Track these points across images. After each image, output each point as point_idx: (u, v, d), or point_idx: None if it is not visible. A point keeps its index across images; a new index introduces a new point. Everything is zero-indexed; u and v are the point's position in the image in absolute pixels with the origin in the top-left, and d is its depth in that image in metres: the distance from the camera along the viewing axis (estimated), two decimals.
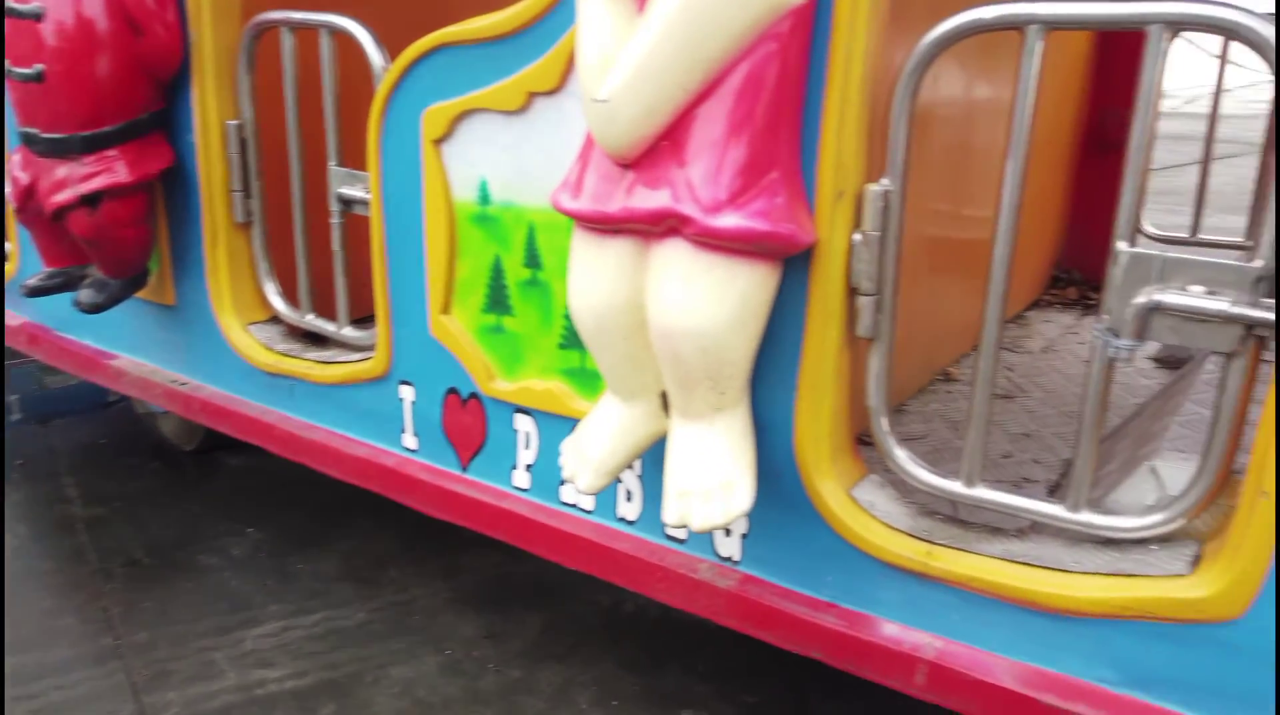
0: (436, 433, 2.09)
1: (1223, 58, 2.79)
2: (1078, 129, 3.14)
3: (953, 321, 2.62)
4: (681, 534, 1.78)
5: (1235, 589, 1.28)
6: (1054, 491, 1.92)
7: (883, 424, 1.56)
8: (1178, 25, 1.21)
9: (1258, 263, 1.21)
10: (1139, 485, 1.51)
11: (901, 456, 1.56)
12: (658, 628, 2.45)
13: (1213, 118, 3.04)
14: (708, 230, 1.34)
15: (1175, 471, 1.51)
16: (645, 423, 1.61)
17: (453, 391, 2.04)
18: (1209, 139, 3.05)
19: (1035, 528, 1.51)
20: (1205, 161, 3.10)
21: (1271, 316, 1.20)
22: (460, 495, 2.06)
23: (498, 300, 1.91)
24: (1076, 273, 3.28)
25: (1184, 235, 3.14)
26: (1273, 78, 1.15)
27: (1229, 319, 1.22)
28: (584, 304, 1.51)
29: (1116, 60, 3.08)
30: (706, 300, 1.39)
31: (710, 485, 1.49)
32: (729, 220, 1.34)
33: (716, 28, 1.30)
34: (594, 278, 1.48)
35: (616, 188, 1.42)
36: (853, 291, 1.49)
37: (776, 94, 1.37)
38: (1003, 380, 2.52)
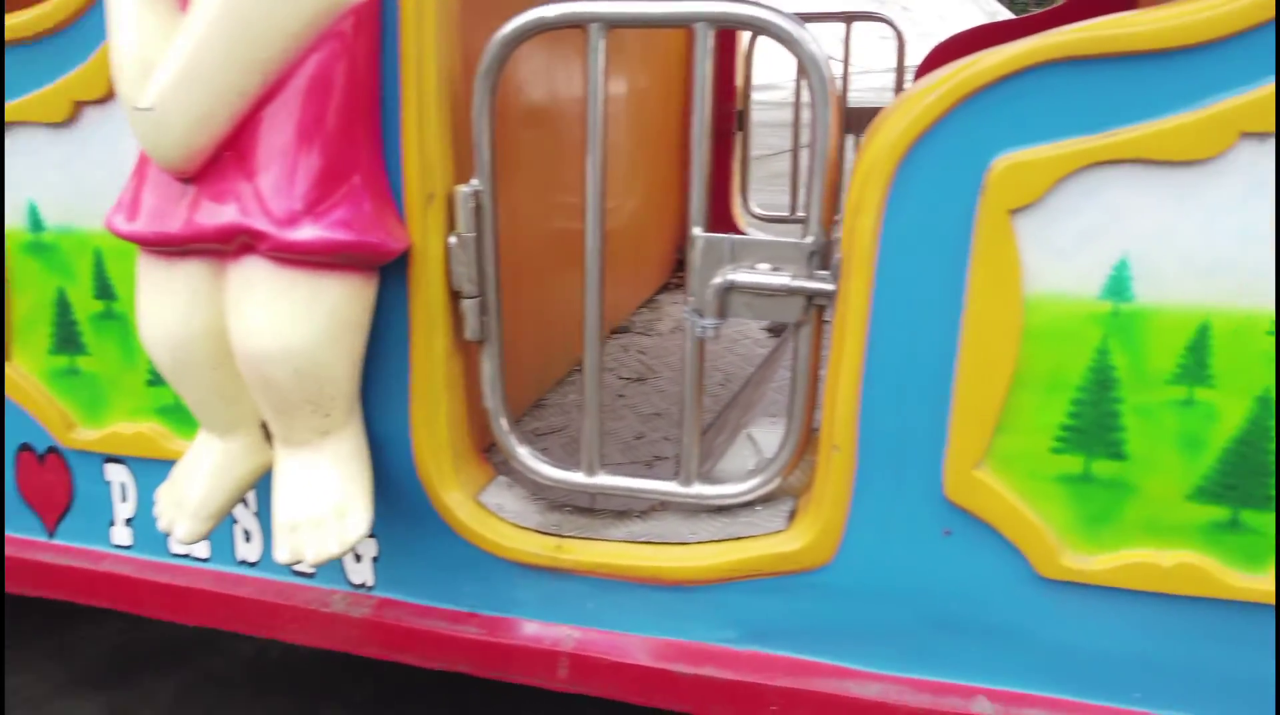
0: (13, 497, 1.81)
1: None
2: (685, 118, 3.35)
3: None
4: (307, 568, 1.67)
5: (823, 538, 1.40)
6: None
7: (502, 425, 1.55)
8: (718, 22, 1.29)
9: (809, 239, 1.32)
10: (740, 452, 1.61)
11: (524, 454, 1.56)
12: (311, 666, 2.30)
13: (796, 107, 3.38)
14: (284, 245, 1.25)
15: (769, 436, 1.63)
16: (247, 457, 1.48)
17: (26, 448, 1.78)
18: (795, 126, 3.40)
19: (665, 506, 1.57)
20: (795, 149, 3.45)
21: (827, 286, 1.31)
22: (49, 565, 1.80)
23: (67, 338, 1.68)
24: None
25: (785, 214, 3.47)
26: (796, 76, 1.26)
27: (791, 291, 1.33)
28: (157, 336, 1.36)
29: (721, 51, 3.31)
30: (293, 319, 1.30)
31: (322, 514, 1.41)
32: (307, 233, 1.26)
33: (268, 26, 1.22)
34: (165, 306, 1.34)
35: (178, 205, 1.29)
36: (455, 295, 1.46)
37: (348, 96, 1.30)
38: (636, 363, 2.62)
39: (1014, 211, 1.18)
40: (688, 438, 1.47)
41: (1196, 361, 1.20)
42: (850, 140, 3.29)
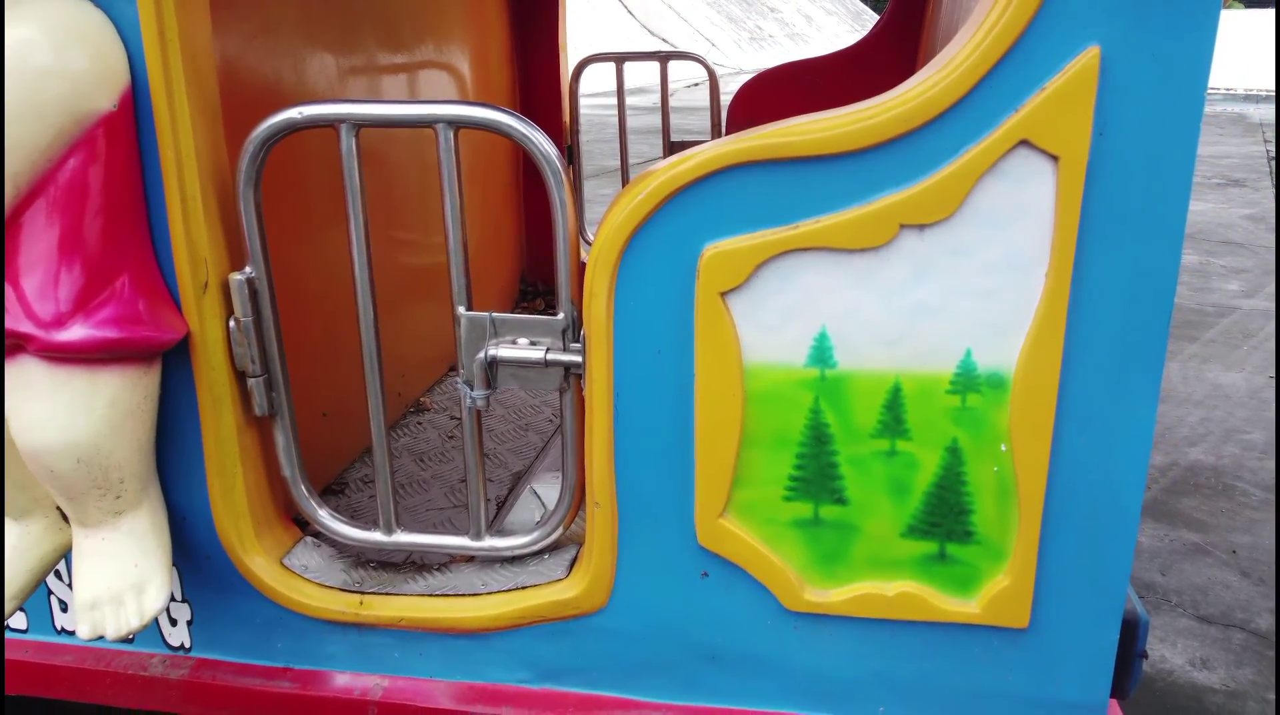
0: None
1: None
2: (518, 154, 3.44)
3: (422, 351, 2.77)
4: (112, 642, 1.73)
5: (596, 585, 1.52)
6: (501, 506, 2.12)
7: (301, 491, 1.63)
8: (457, 123, 1.39)
9: (560, 317, 1.43)
10: (526, 505, 1.73)
11: (324, 517, 1.64)
12: None
13: (623, 146, 3.50)
14: (53, 346, 1.31)
15: (551, 490, 1.75)
16: (46, 538, 1.54)
17: None
18: (623, 159, 3.52)
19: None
20: (624, 165, 3.57)
21: (576, 358, 1.43)
22: None
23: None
24: (540, 283, 3.61)
25: None
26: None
27: (548, 364, 1.44)
28: None
29: (537, 96, 3.42)
30: (71, 413, 1.36)
31: (120, 590, 1.47)
32: (75, 333, 1.32)
33: (15, 141, 1.27)
34: None
35: None
36: (242, 374, 1.53)
37: (108, 198, 1.36)
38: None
39: (725, 293, 1.31)
40: (473, 497, 1.58)
41: (894, 417, 1.35)
42: None
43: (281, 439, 1.60)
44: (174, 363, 1.50)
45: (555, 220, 1.40)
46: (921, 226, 1.27)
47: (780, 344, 1.34)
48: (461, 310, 1.46)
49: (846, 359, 1.33)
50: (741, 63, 24.25)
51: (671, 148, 3.43)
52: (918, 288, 1.30)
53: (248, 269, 1.49)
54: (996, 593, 1.40)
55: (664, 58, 3.33)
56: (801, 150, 1.26)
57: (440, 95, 2.80)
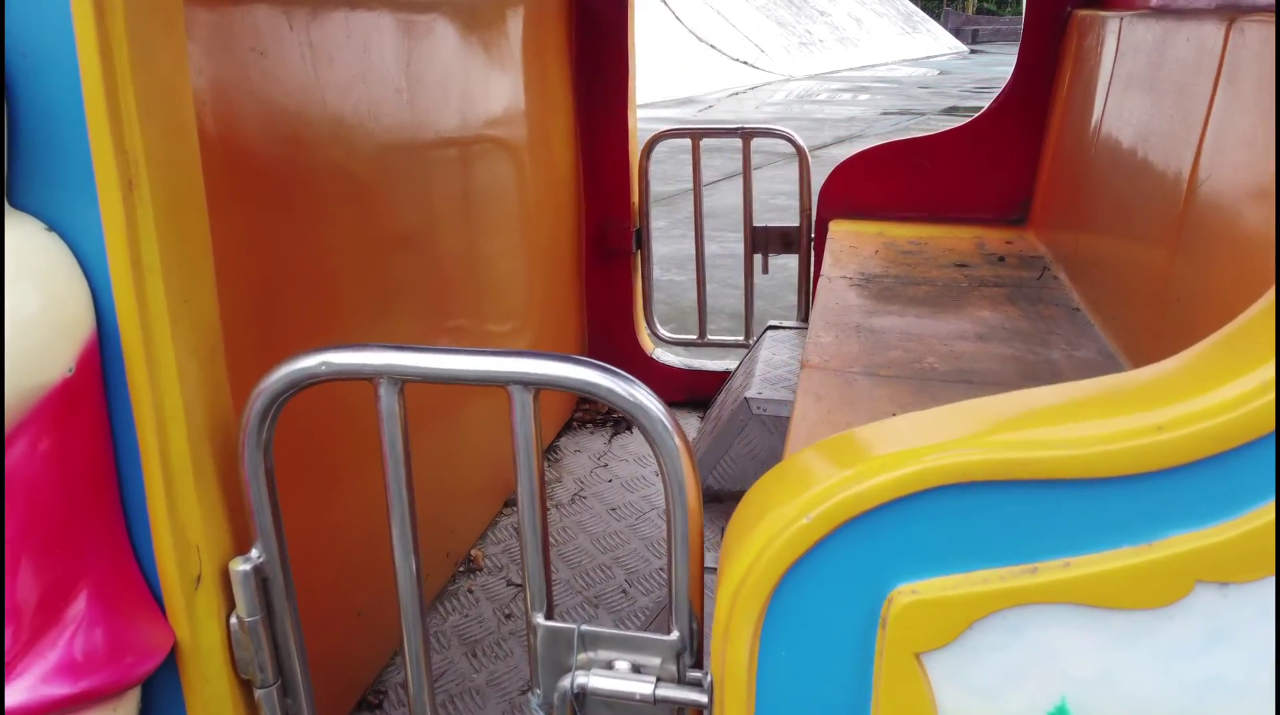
0: None
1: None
2: (580, 237, 3.06)
3: (474, 480, 2.40)
4: None
5: None
6: None
7: None
8: (538, 386, 1.01)
9: (674, 636, 1.04)
10: None
11: None
12: None
13: (699, 234, 3.10)
14: None
15: None
16: None
17: None
18: (699, 249, 3.13)
19: None
20: (700, 261, 3.18)
21: (700, 698, 1.04)
22: None
23: None
24: None
25: (694, 337, 3.21)
26: None
27: (660, 701, 1.05)
28: None
29: (604, 175, 3.04)
30: None
31: None
32: (13, 695, 0.96)
33: None
34: None
35: None
36: (247, 683, 1.17)
37: (64, 492, 1.00)
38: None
39: (923, 654, 0.91)
40: None
41: None
42: (758, 260, 3.03)
43: None
44: (156, 674, 1.13)
45: (671, 519, 1.01)
46: (1225, 584, 0.86)
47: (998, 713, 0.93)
48: (540, 619, 1.08)
49: None
50: (791, 69, 23.74)
51: (754, 234, 3.03)
52: (1212, 656, 0.88)
53: (254, 552, 1.12)
54: None
55: (746, 135, 2.93)
56: (1056, 471, 0.85)
57: (494, 182, 2.42)
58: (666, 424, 0.99)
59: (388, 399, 1.04)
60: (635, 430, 3.03)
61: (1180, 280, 1.51)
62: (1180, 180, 1.55)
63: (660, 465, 1.01)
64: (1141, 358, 1.65)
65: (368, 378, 1.03)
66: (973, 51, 37.02)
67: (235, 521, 1.13)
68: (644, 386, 1.00)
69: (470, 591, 2.21)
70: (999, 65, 28.24)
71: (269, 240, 1.52)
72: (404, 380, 1.03)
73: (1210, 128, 1.47)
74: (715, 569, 1.80)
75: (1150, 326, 1.61)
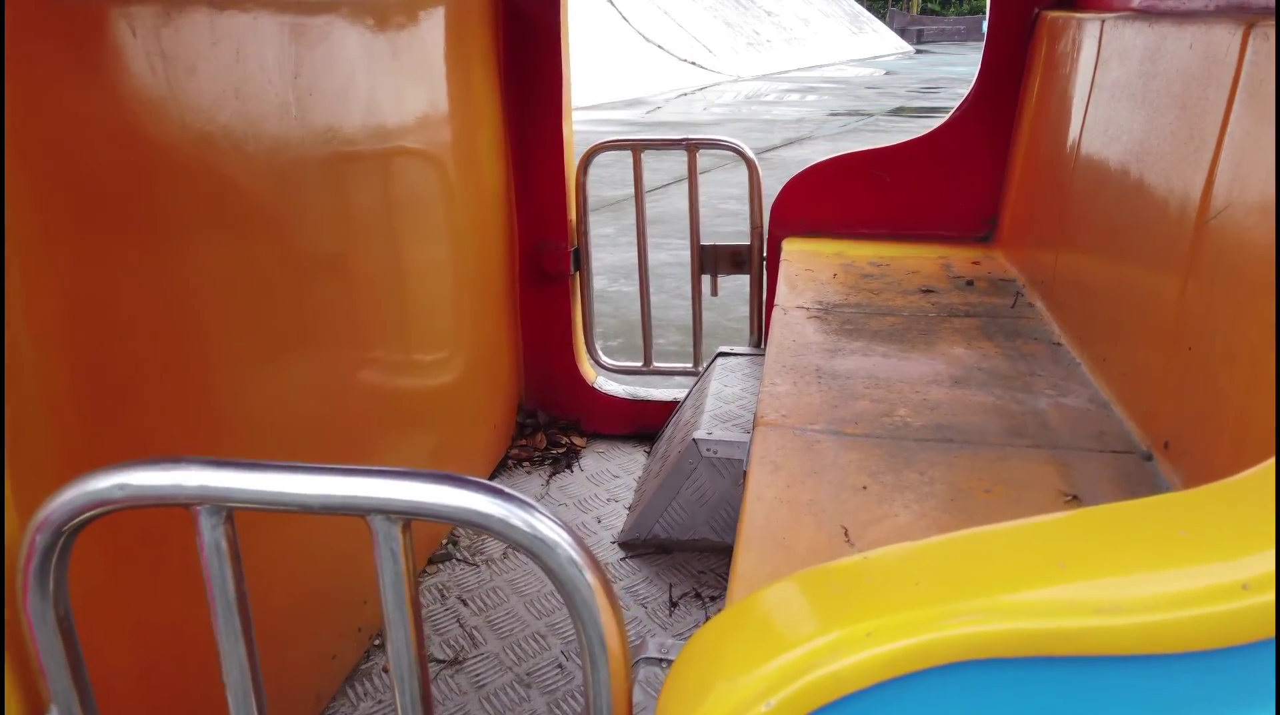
0: None
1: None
2: (513, 259, 2.81)
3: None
4: None
5: None
6: None
7: None
8: (407, 516, 0.76)
9: None
10: None
11: None
12: None
13: (641, 251, 2.86)
14: None
15: None
16: None
17: None
18: (641, 264, 2.89)
19: None
20: (643, 292, 2.94)
21: None
22: None
23: None
24: (540, 413, 2.96)
25: (639, 365, 2.97)
26: None
27: None
28: None
29: (537, 192, 2.79)
30: None
31: None
32: None
33: None
34: None
35: None
36: None
37: None
38: (453, 628, 2.06)
39: None
40: None
41: None
42: (706, 280, 2.81)
43: None
44: None
45: (589, 689, 0.76)
46: None
47: None
48: None
49: None
50: (739, 69, 23.64)
51: (702, 253, 2.80)
52: None
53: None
54: None
55: (691, 146, 2.69)
56: (1106, 645, 0.62)
57: (412, 202, 2.16)
58: (578, 560, 0.75)
59: (209, 532, 0.78)
60: (577, 469, 2.78)
61: (1195, 321, 1.29)
62: (1189, 205, 1.34)
63: (572, 615, 0.76)
64: (1147, 415, 1.44)
65: (181, 505, 0.77)
66: (918, 51, 37.28)
67: (24, 678, 0.87)
68: (546, 514, 0.75)
69: (386, 672, 1.94)
70: (944, 65, 28.41)
71: (104, 291, 1.24)
72: (229, 508, 0.77)
73: (1226, 146, 1.27)
74: (663, 659, 1.55)
75: (1156, 376, 1.39)
